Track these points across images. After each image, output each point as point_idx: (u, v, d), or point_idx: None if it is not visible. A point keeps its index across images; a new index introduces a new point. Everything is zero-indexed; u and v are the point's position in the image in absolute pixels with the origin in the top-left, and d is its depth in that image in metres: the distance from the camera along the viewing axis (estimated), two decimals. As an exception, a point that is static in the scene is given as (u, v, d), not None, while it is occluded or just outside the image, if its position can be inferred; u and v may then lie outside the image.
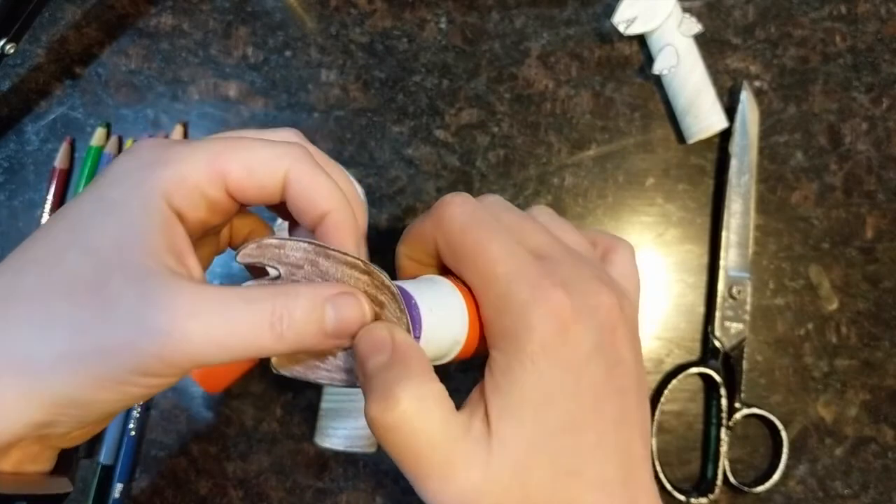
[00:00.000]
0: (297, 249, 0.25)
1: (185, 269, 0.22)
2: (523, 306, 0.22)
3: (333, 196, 0.25)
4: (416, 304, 0.25)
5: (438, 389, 0.22)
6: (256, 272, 0.28)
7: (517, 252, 0.23)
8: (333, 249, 0.25)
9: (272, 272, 0.25)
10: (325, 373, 0.26)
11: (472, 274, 0.24)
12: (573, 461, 0.22)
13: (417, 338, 0.24)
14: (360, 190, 0.41)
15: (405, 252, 0.28)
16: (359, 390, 0.38)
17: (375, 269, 0.25)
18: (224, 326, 0.20)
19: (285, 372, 0.25)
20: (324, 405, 0.40)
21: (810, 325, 0.43)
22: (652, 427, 0.42)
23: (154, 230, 0.21)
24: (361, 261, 0.25)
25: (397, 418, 0.21)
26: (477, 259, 0.24)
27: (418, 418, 0.21)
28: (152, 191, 0.21)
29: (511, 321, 0.23)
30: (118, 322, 0.19)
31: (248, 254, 0.24)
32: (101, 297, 0.20)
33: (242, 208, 0.26)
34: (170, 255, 0.21)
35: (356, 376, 0.24)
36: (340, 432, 0.39)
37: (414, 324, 0.24)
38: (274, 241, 0.25)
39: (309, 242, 0.25)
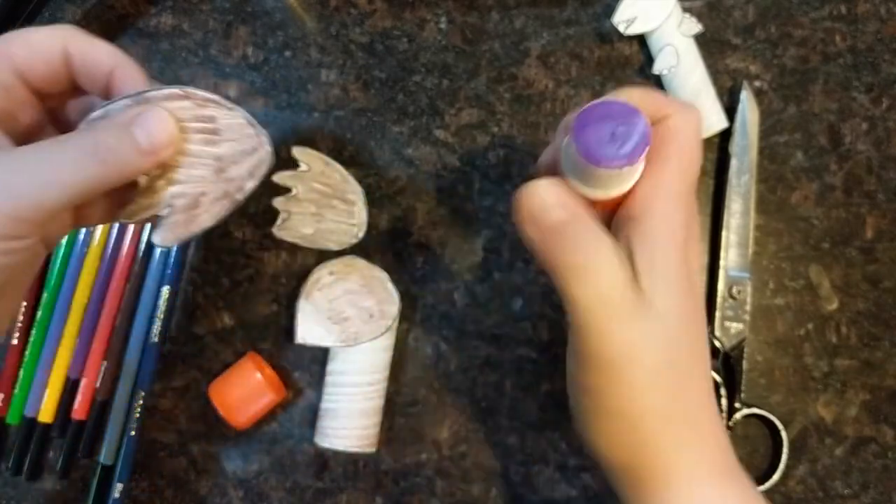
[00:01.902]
0: (119, 109, 0.26)
1: None
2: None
3: (114, 53, 0.27)
4: None
5: None
6: None
7: None
8: (149, 91, 0.26)
9: None
10: (178, 189, 0.27)
11: None
12: (697, 346, 0.27)
13: None
14: (359, 190, 0.41)
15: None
16: (359, 390, 0.39)
17: (192, 89, 0.27)
18: (51, 168, 0.23)
19: (137, 218, 0.27)
20: (324, 405, 0.40)
21: (810, 325, 0.43)
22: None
23: None
24: (177, 88, 0.26)
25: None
26: None
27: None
28: None
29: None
30: None
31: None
32: None
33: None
34: None
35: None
36: (341, 432, 0.39)
37: None
38: (98, 113, 0.26)
39: (126, 96, 0.26)
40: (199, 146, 0.27)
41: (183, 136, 0.26)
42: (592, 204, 0.27)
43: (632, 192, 0.27)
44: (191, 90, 0.27)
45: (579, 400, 0.28)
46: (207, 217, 0.28)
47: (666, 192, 0.26)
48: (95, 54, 0.26)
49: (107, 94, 0.27)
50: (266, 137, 0.28)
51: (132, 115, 0.25)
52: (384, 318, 0.39)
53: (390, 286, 0.39)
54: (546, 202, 0.26)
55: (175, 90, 0.26)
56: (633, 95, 0.28)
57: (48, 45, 0.26)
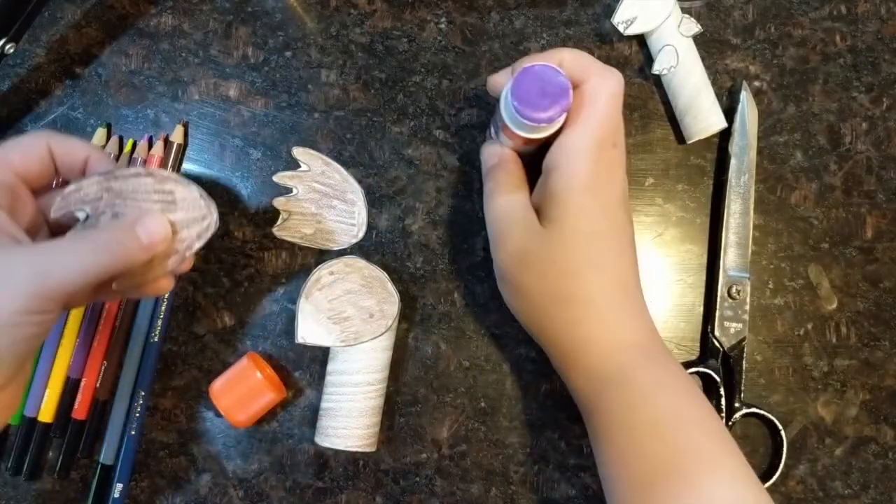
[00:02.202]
0: (91, 184, 0.32)
1: (19, 239, 0.30)
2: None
3: (87, 145, 0.33)
4: None
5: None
6: (70, 223, 0.34)
7: None
8: (118, 170, 0.32)
9: (80, 215, 0.32)
10: (159, 268, 0.33)
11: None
12: (607, 256, 0.35)
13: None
14: (359, 190, 0.41)
15: None
16: (359, 389, 0.39)
17: (154, 169, 0.33)
18: (74, 261, 0.28)
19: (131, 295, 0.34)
20: (324, 405, 0.40)
21: (810, 325, 0.43)
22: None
23: None
24: (141, 168, 0.32)
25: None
26: None
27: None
28: None
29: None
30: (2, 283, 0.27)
31: (57, 208, 0.32)
32: None
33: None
34: (3, 236, 0.29)
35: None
36: (341, 432, 0.39)
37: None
38: (72, 187, 0.32)
39: (98, 174, 0.32)
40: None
41: (175, 232, 0.33)
42: (525, 141, 0.36)
43: (554, 144, 0.35)
44: (153, 170, 0.32)
45: (507, 301, 0.38)
46: (161, 271, 0.33)
47: (571, 149, 0.34)
48: (72, 147, 0.33)
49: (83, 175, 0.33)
50: (213, 206, 0.34)
51: (135, 218, 0.31)
52: (384, 318, 0.39)
53: (390, 286, 0.39)
54: (506, 209, 0.36)
55: (140, 169, 0.32)
56: (564, 56, 0.34)
57: (37, 147, 0.32)
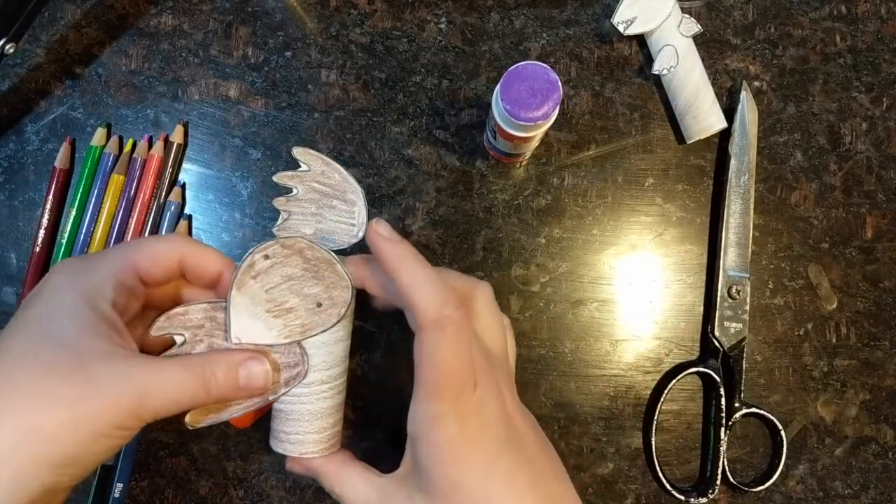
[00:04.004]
0: (197, 311, 0.32)
1: (128, 346, 0.29)
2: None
3: (222, 259, 0.32)
4: None
5: None
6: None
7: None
8: (224, 301, 0.32)
9: (178, 339, 0.31)
10: (236, 406, 0.32)
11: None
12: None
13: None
14: (359, 190, 0.41)
15: None
16: (309, 390, 0.35)
17: None
18: (173, 387, 0.28)
19: (200, 426, 0.31)
20: (276, 405, 0.34)
21: (809, 325, 0.43)
22: (656, 426, 0.42)
23: (103, 325, 0.28)
24: None
25: None
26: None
27: None
28: (93, 294, 0.29)
29: None
30: (103, 392, 0.27)
31: (159, 326, 0.31)
32: (85, 376, 0.27)
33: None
34: (117, 337, 0.28)
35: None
36: (294, 437, 0.34)
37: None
38: (179, 310, 0.31)
39: (207, 301, 0.32)
40: None
41: (276, 380, 0.32)
42: (523, 140, 0.37)
43: (410, 407, 0.30)
44: None
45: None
46: (237, 409, 0.32)
47: (426, 418, 0.29)
48: (207, 259, 0.32)
49: (212, 288, 0.33)
50: (307, 357, 0.33)
51: (241, 358, 0.31)
52: (335, 307, 0.33)
53: (340, 268, 0.34)
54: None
55: None
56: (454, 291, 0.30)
57: (168, 254, 0.31)
